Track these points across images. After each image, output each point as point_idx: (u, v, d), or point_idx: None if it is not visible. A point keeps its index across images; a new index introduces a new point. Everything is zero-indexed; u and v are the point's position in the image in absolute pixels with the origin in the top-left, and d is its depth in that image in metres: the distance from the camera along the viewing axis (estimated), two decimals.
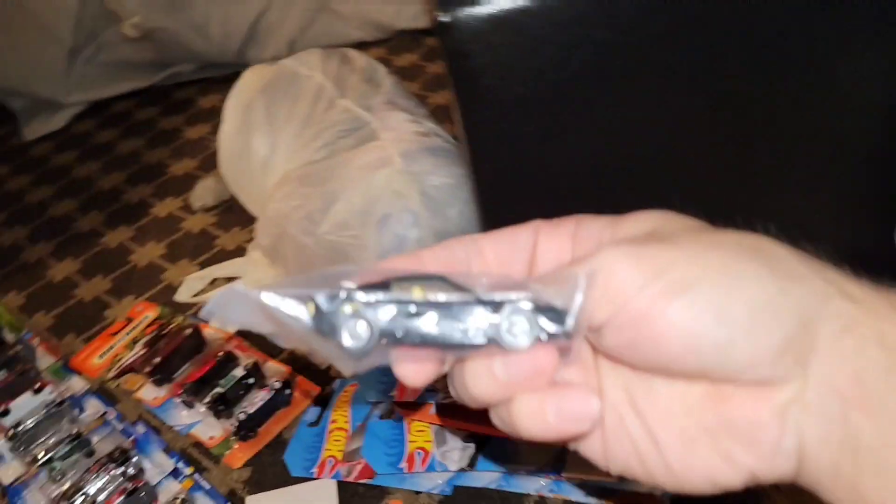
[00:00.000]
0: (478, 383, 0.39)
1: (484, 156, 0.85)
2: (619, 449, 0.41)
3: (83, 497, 1.00)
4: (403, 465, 0.94)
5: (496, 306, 0.37)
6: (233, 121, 1.24)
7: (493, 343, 0.37)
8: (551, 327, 0.37)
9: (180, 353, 1.20)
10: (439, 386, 0.95)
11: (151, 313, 1.32)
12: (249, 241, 1.38)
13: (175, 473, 1.04)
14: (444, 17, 0.74)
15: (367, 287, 0.37)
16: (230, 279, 1.32)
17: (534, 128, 0.83)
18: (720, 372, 0.37)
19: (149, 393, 1.19)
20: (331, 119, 1.15)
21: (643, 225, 0.41)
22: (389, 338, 0.36)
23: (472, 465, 0.91)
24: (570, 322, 0.37)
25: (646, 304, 0.36)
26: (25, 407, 1.17)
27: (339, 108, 1.15)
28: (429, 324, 0.36)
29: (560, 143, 0.80)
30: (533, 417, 0.39)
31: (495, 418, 0.41)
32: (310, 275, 0.36)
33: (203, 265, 1.41)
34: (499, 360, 0.38)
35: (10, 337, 1.33)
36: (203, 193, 1.53)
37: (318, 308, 0.36)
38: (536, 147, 0.80)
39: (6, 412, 1.17)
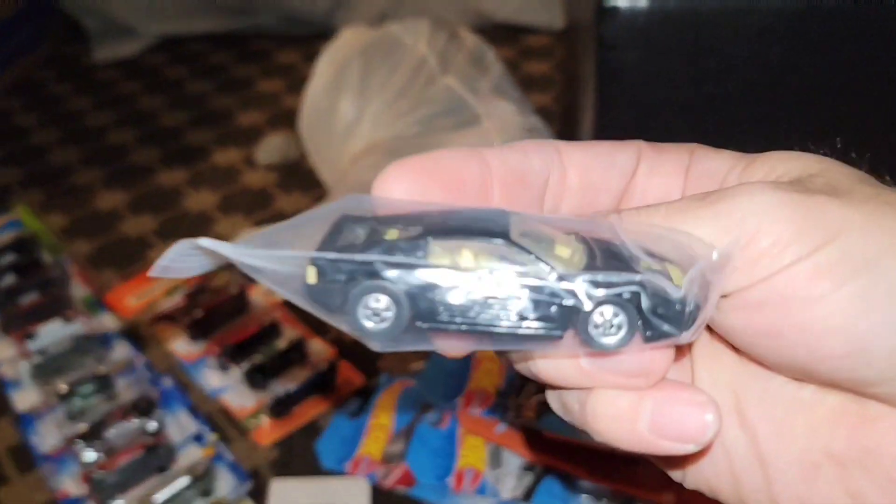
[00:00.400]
0: (550, 365, 0.30)
1: None
2: (706, 464, 0.33)
3: (100, 443, 0.93)
4: (451, 480, 0.86)
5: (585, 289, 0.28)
6: (323, 78, 1.17)
7: (576, 337, 0.28)
8: (663, 327, 0.28)
9: (222, 311, 1.13)
10: (512, 405, 0.87)
11: None
12: (309, 207, 1.31)
13: (198, 438, 0.96)
14: (613, 2, 0.66)
15: (395, 245, 0.28)
16: None
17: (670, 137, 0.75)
18: (884, 386, 0.28)
19: (182, 346, 1.12)
20: (430, 95, 1.07)
21: (788, 167, 0.31)
22: (426, 321, 0.28)
23: (528, 496, 0.83)
24: (688, 331, 0.28)
25: (804, 280, 0.27)
26: (53, 335, 1.10)
27: (441, 86, 1.07)
28: (484, 308, 0.28)
29: None
30: (618, 422, 0.30)
31: (555, 401, 0.33)
32: (313, 215, 0.29)
33: (258, 224, 1.34)
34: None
35: (47, 259, 1.27)
36: (269, 150, 1.46)
37: (321, 274, 0.27)
38: None
39: (32, 336, 1.11)
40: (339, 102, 1.13)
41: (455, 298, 0.27)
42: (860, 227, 0.27)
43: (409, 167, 0.30)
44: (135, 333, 1.15)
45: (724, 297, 0.29)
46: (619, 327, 0.28)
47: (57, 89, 1.86)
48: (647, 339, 0.28)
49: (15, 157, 1.59)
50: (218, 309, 1.13)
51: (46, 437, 0.98)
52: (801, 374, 0.30)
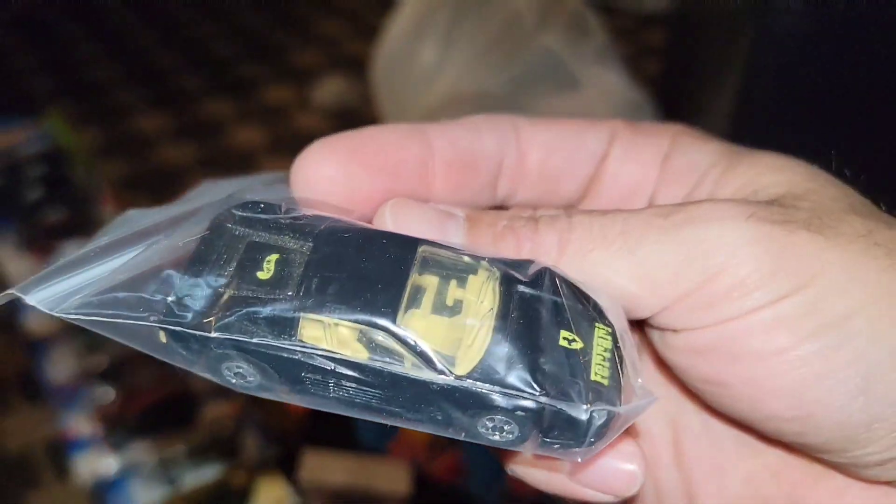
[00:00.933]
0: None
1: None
2: (636, 499, 0.30)
3: (118, 382, 0.84)
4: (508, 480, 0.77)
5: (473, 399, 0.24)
6: (406, 20, 1.06)
7: (464, 429, 0.25)
8: (557, 446, 0.25)
9: None
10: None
11: None
12: None
13: (225, 392, 0.87)
14: None
15: (260, 312, 0.24)
16: None
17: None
18: (831, 456, 0.26)
19: None
20: (525, 54, 0.97)
21: (773, 180, 0.27)
22: (296, 392, 0.24)
23: None
24: (589, 447, 0.25)
25: (761, 332, 0.24)
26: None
27: (538, 45, 0.97)
28: (359, 391, 0.24)
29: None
30: (540, 474, 0.27)
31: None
32: (191, 202, 0.26)
33: None
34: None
35: (79, 175, 1.17)
36: (327, 93, 1.36)
37: (170, 336, 0.24)
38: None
39: (54, 251, 1.01)
40: (421, 47, 1.03)
41: (329, 377, 0.24)
42: (837, 275, 0.24)
43: (335, 147, 0.27)
44: None
45: (672, 331, 0.26)
46: (510, 433, 0.24)
47: (104, 2, 1.76)
48: (542, 447, 0.24)
49: (52, 66, 1.50)
50: None
51: (59, 368, 0.89)
52: (746, 425, 0.27)
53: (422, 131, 0.28)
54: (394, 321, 0.23)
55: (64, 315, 0.23)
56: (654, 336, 0.27)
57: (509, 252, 0.26)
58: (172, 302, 0.24)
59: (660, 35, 1.57)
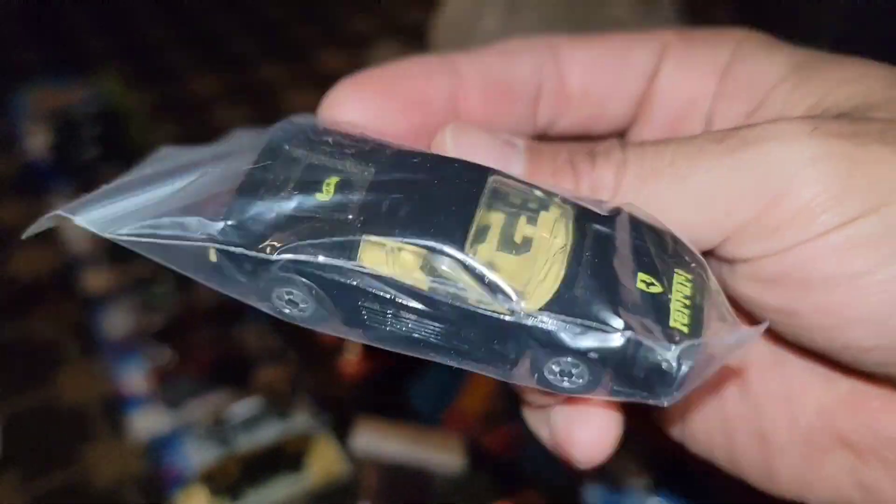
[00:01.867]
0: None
1: None
2: (703, 432, 0.29)
3: (174, 342, 0.84)
4: None
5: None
6: None
7: (531, 370, 0.23)
8: (636, 391, 0.23)
9: None
10: None
11: None
12: None
13: (279, 356, 0.87)
14: None
15: (322, 234, 0.22)
16: None
17: None
18: None
19: None
20: (592, 24, 0.94)
21: (848, 92, 0.25)
22: (352, 324, 0.23)
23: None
24: (669, 398, 0.23)
25: (833, 255, 0.22)
26: None
27: (605, 15, 0.94)
28: (421, 324, 0.23)
29: None
30: (533, 422, 0.29)
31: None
32: (238, 141, 0.25)
33: None
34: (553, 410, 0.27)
35: (133, 136, 1.18)
36: (382, 60, 1.34)
37: (223, 256, 0.22)
38: None
39: None
40: (483, 16, 1.00)
41: (388, 308, 0.22)
42: None
43: (363, 84, 0.26)
44: None
45: (737, 262, 0.24)
46: (580, 378, 0.23)
47: None
48: (615, 395, 0.23)
49: (107, 27, 1.50)
50: None
51: (115, 325, 0.90)
52: (820, 355, 0.25)
53: (451, 62, 0.27)
54: (462, 249, 0.22)
55: (115, 236, 0.23)
56: (719, 267, 0.25)
57: (568, 186, 0.25)
58: (229, 224, 0.23)
59: (725, 11, 1.52)
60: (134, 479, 0.76)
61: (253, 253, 0.22)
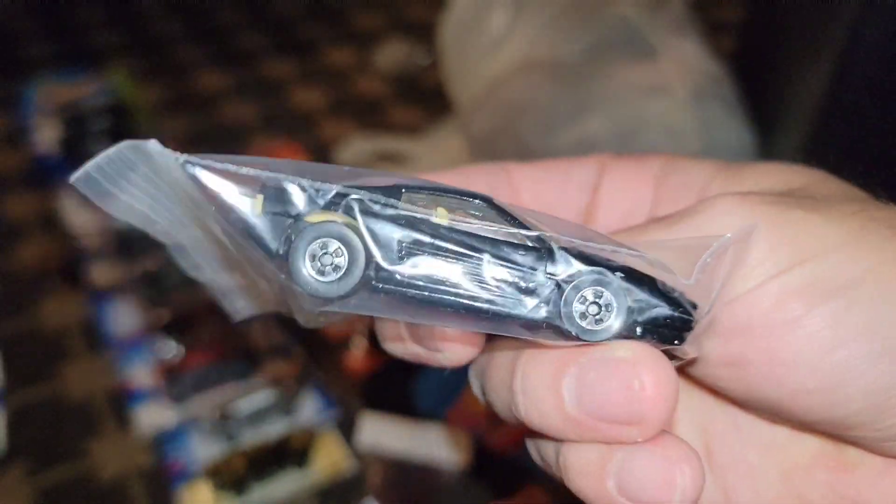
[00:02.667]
0: (533, 408, 0.25)
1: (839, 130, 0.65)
2: None
3: (181, 336, 0.84)
4: None
5: (573, 264, 0.24)
6: None
7: (557, 326, 0.24)
8: (666, 327, 0.24)
9: None
10: None
11: (300, 160, 1.15)
12: (426, 123, 1.20)
13: (285, 350, 0.87)
14: None
15: (360, 189, 0.23)
16: (396, 159, 1.14)
17: None
18: (863, 430, 0.25)
19: None
20: (600, 20, 0.94)
21: (776, 179, 0.28)
22: (386, 281, 0.23)
23: None
24: (698, 325, 0.24)
25: (772, 302, 0.24)
26: None
27: (613, 13, 0.94)
28: (450, 270, 0.23)
29: None
30: (586, 478, 0.25)
31: (532, 448, 0.29)
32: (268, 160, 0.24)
33: (366, 132, 1.23)
34: (573, 375, 0.24)
35: (142, 130, 1.18)
36: (389, 56, 1.35)
37: (269, 202, 0.23)
38: None
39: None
40: (490, 12, 1.00)
41: (423, 252, 0.23)
42: (840, 246, 0.24)
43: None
44: None
45: None
46: (606, 314, 0.23)
47: None
48: (642, 334, 0.24)
49: (116, 21, 1.50)
50: None
51: (122, 319, 0.90)
52: (772, 412, 0.26)
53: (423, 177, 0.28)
54: (491, 199, 0.24)
55: (192, 160, 0.23)
56: None
57: None
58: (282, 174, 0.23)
59: (734, 10, 1.52)
60: (139, 473, 0.77)
61: (315, 185, 0.23)
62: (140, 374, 0.84)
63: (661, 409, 0.23)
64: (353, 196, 0.23)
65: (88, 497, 0.74)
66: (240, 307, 0.32)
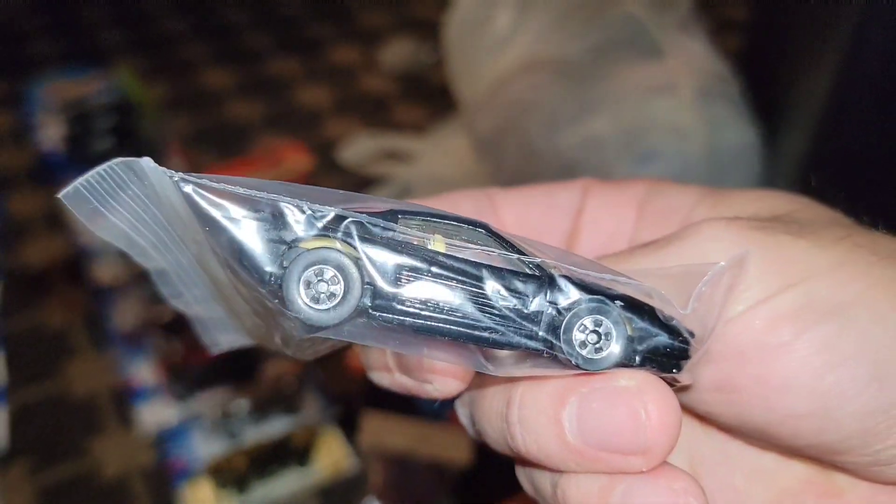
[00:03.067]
0: (531, 439, 0.25)
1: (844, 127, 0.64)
2: None
3: (183, 334, 0.84)
4: None
5: (571, 293, 0.24)
6: None
7: (555, 355, 0.23)
8: (665, 356, 0.24)
9: None
10: None
11: (302, 159, 1.15)
12: (430, 122, 1.20)
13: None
14: None
15: (356, 214, 0.23)
16: (397, 157, 1.13)
17: None
18: (852, 455, 0.25)
19: None
20: (606, 19, 0.93)
21: (761, 205, 0.28)
22: (383, 310, 0.23)
23: None
24: (696, 353, 0.24)
25: (761, 327, 0.24)
26: None
27: (619, 12, 0.94)
28: (450, 297, 0.23)
29: None
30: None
31: (524, 480, 0.28)
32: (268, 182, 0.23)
33: (371, 130, 1.23)
34: (574, 404, 0.24)
35: (147, 128, 1.18)
36: (395, 55, 1.34)
37: (262, 224, 0.22)
38: None
39: None
40: (495, 11, 1.00)
41: (420, 276, 0.23)
42: (828, 271, 0.24)
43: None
44: None
45: None
46: (608, 342, 0.23)
47: None
48: (642, 362, 0.23)
49: (121, 19, 1.50)
50: None
51: (125, 317, 0.90)
52: (762, 437, 0.26)
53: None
54: (489, 226, 0.23)
55: (187, 180, 0.22)
56: None
57: None
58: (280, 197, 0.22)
59: (741, 9, 1.51)
60: (141, 471, 0.76)
61: (313, 208, 0.22)
62: (142, 371, 0.84)
63: (666, 438, 0.23)
64: (352, 219, 0.22)
65: (90, 495, 0.74)
66: (220, 339, 0.31)
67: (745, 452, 0.28)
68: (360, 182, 1.09)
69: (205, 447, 0.77)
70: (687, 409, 0.26)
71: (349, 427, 0.78)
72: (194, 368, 0.80)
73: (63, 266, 0.98)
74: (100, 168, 0.22)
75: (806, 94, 0.72)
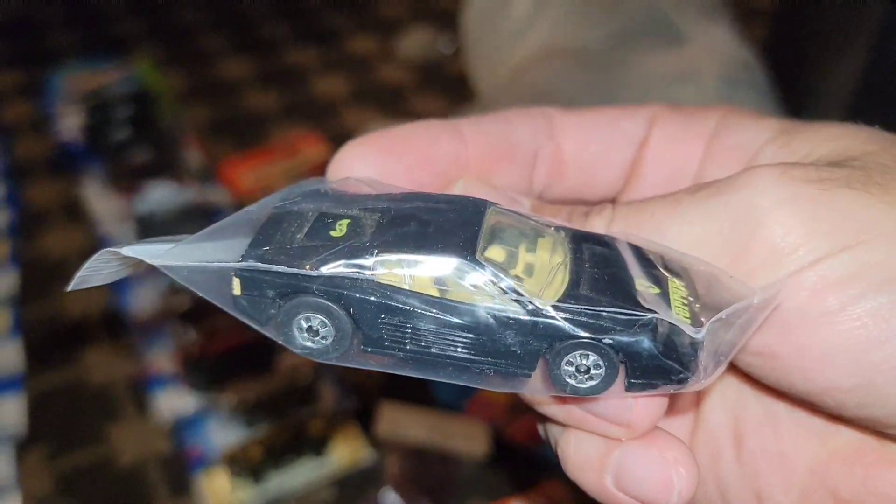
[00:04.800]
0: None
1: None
2: (699, 494, 0.28)
3: (199, 324, 0.84)
4: None
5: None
6: None
7: (544, 377, 0.24)
8: (654, 379, 0.23)
9: None
10: None
11: (319, 150, 1.15)
12: (447, 111, 1.19)
13: None
14: None
15: (338, 254, 0.23)
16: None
17: None
18: None
19: None
20: (626, 5, 0.92)
21: (835, 146, 0.25)
22: (372, 346, 0.24)
23: None
24: (696, 380, 0.23)
25: (807, 293, 0.22)
26: (162, 198, 1.01)
27: (639, 1, 0.92)
28: (439, 337, 0.23)
29: None
30: (584, 471, 0.26)
31: (541, 429, 0.29)
32: (261, 203, 0.26)
33: (388, 120, 1.22)
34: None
35: (165, 118, 1.18)
36: (412, 44, 1.33)
37: (246, 286, 0.24)
38: None
39: (139, 194, 1.02)
40: (512, 3, 0.99)
41: (406, 322, 0.23)
42: (888, 234, 0.21)
43: (371, 145, 0.27)
44: None
45: None
46: (595, 372, 0.23)
47: None
48: (630, 388, 0.24)
49: (138, 9, 1.50)
50: None
51: (142, 306, 0.90)
52: (805, 403, 0.25)
53: (454, 125, 0.28)
54: (473, 257, 0.23)
55: (154, 262, 0.24)
56: None
57: None
58: (254, 253, 0.24)
59: None
60: (158, 459, 0.76)
61: (274, 267, 0.23)
62: (160, 360, 0.84)
63: (648, 417, 0.24)
64: (326, 275, 0.23)
65: (107, 482, 0.74)
66: None
67: (794, 416, 0.27)
68: None
69: (221, 436, 0.77)
70: (732, 367, 0.26)
71: (366, 417, 0.78)
72: (211, 358, 0.80)
73: (81, 255, 0.98)
74: (88, 262, 0.25)
75: (833, 84, 0.71)
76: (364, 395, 0.81)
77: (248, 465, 0.73)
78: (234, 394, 0.79)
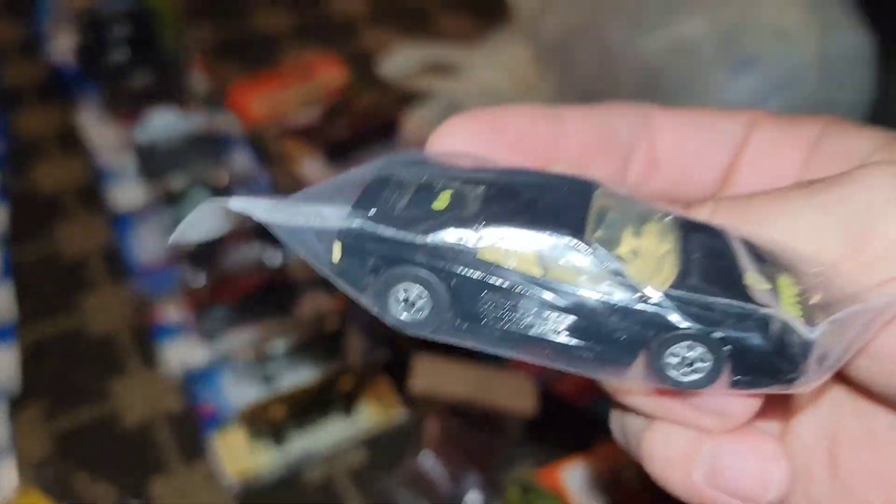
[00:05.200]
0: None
1: None
2: None
3: (210, 266, 0.75)
4: None
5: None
6: None
7: (647, 366, 0.23)
8: (761, 378, 0.23)
9: (369, 133, 0.93)
10: None
11: (336, 73, 1.05)
12: (473, 30, 1.08)
13: (326, 284, 0.78)
14: None
15: (442, 224, 0.23)
16: (445, 71, 1.02)
17: None
18: None
19: (313, 170, 0.92)
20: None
21: None
22: (468, 321, 0.24)
23: None
24: (807, 382, 0.22)
25: None
26: (164, 126, 0.92)
27: None
28: (539, 318, 0.23)
29: None
30: (671, 467, 0.25)
31: (616, 425, 0.29)
32: (364, 170, 0.26)
33: (409, 39, 1.11)
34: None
35: (166, 39, 1.07)
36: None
37: (346, 252, 0.24)
38: None
39: (140, 122, 0.92)
40: None
41: (507, 301, 0.23)
42: None
43: (474, 120, 0.27)
44: (258, 144, 0.96)
45: None
46: (700, 366, 0.23)
47: None
48: (735, 385, 0.23)
49: None
50: (364, 130, 0.92)
51: (146, 246, 0.81)
52: None
53: (557, 112, 0.28)
54: (581, 236, 0.23)
55: (261, 216, 0.23)
56: None
57: None
58: (362, 216, 0.23)
59: None
60: (167, 417, 0.70)
61: (391, 230, 0.23)
62: (167, 306, 0.76)
63: (743, 407, 0.24)
64: (431, 244, 0.23)
65: (110, 442, 0.68)
66: None
67: (894, 435, 0.26)
68: (401, 97, 0.99)
69: (237, 392, 0.69)
70: (836, 376, 0.25)
71: (400, 372, 0.70)
72: (225, 304, 0.72)
73: (78, 190, 0.91)
74: (190, 216, 0.24)
75: None
76: (397, 347, 0.72)
77: (268, 425, 0.66)
78: (251, 344, 0.70)
